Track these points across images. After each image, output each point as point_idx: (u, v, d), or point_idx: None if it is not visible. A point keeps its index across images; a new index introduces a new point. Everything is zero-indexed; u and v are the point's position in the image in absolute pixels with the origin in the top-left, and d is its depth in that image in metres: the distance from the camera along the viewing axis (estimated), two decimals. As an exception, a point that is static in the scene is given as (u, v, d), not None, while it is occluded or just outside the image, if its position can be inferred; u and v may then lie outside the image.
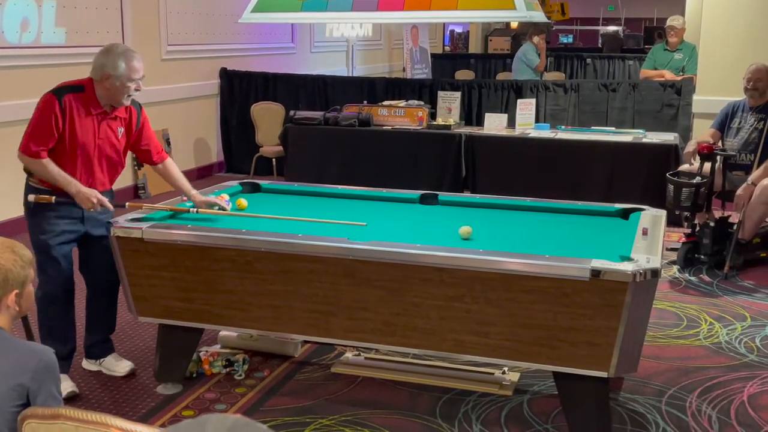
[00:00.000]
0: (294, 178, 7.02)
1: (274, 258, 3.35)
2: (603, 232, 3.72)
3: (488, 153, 7.07)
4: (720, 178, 5.73)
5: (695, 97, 7.49)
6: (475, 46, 18.79)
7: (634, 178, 6.58)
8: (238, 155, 9.09)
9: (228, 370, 3.93)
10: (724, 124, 5.98)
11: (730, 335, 4.49)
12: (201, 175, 8.61)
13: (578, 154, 6.80)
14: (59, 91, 3.57)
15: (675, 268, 5.65)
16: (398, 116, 7.39)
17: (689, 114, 7.53)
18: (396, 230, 3.65)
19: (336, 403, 3.64)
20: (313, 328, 3.42)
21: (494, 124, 7.31)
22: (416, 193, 4.31)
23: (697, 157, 5.67)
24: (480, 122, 7.75)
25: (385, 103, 7.76)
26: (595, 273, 2.94)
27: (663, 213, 3.84)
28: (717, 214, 5.79)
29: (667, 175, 5.62)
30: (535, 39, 9.91)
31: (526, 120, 7.27)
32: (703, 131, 6.42)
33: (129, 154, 3.92)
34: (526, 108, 7.33)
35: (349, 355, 4.08)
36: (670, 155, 6.51)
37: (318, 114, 7.60)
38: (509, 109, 7.81)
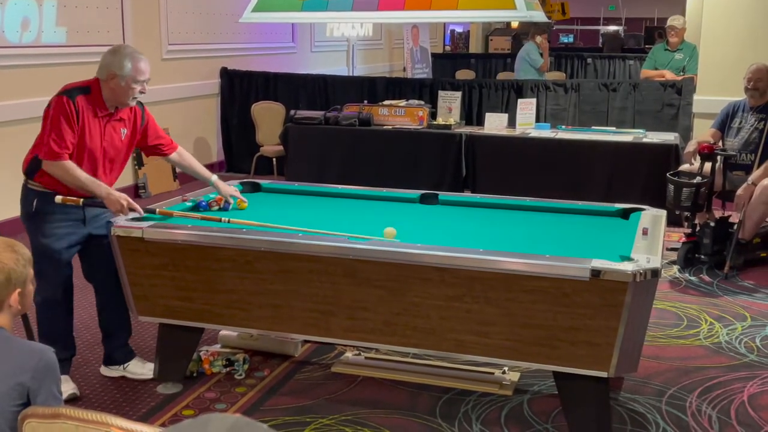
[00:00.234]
0: (294, 177, 7.03)
1: (275, 258, 3.35)
2: (603, 232, 3.72)
3: (489, 153, 7.07)
4: (720, 178, 5.73)
5: (696, 97, 7.49)
6: (475, 46, 18.80)
7: (634, 178, 6.58)
8: (239, 155, 9.09)
9: (228, 369, 3.93)
10: (725, 124, 5.98)
11: (730, 335, 4.49)
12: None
13: (578, 153, 6.80)
14: (71, 93, 3.54)
15: (675, 268, 5.65)
16: (399, 116, 7.39)
17: (690, 114, 7.53)
18: (396, 230, 3.64)
19: (336, 402, 3.64)
20: (314, 328, 3.42)
21: (495, 123, 7.31)
22: (416, 193, 4.31)
23: (698, 157, 5.67)
24: (480, 122, 7.75)
25: (386, 102, 7.76)
26: (596, 273, 2.94)
27: (663, 213, 3.84)
28: (717, 214, 5.79)
29: (668, 175, 5.62)
30: (538, 39, 9.91)
31: (526, 120, 7.27)
32: (703, 131, 6.42)
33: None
34: (526, 108, 7.33)
35: (349, 354, 4.08)
36: (670, 155, 6.51)
37: (318, 113, 7.60)
38: (510, 109, 7.81)
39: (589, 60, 13.18)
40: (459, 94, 7.64)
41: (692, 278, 5.50)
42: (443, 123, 7.35)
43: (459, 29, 18.98)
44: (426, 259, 3.15)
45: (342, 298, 3.31)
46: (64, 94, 3.54)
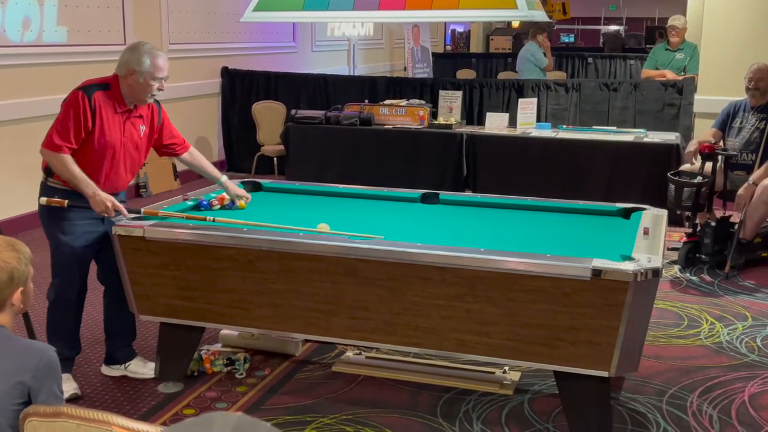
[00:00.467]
0: (295, 177, 7.03)
1: (276, 257, 3.35)
2: (604, 232, 3.72)
3: (489, 152, 7.07)
4: (721, 177, 5.73)
5: (696, 97, 7.49)
6: (476, 46, 18.81)
7: (635, 177, 6.58)
8: (240, 154, 9.09)
9: (229, 368, 3.93)
10: (726, 123, 5.98)
11: (731, 335, 4.49)
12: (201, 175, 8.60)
13: (579, 153, 6.80)
14: (88, 89, 3.55)
15: (676, 267, 5.65)
16: (399, 115, 7.39)
17: (690, 113, 7.53)
18: (397, 229, 3.65)
19: (337, 401, 3.64)
20: (314, 327, 3.42)
21: (495, 123, 7.31)
22: (417, 193, 4.31)
23: (699, 157, 5.67)
24: (481, 121, 7.76)
25: (387, 102, 7.76)
26: (596, 272, 2.94)
27: (664, 212, 3.84)
28: (718, 213, 5.79)
29: (669, 174, 5.62)
30: (539, 38, 9.90)
31: (527, 119, 7.27)
32: (704, 131, 6.42)
33: None
34: (527, 107, 7.33)
35: (350, 354, 4.08)
36: (671, 155, 6.51)
37: (319, 113, 7.61)
38: (510, 109, 7.81)
39: (590, 60, 13.18)
40: (460, 93, 7.64)
41: (693, 278, 5.50)
42: (444, 122, 7.35)
43: (460, 29, 18.99)
44: (427, 258, 3.15)
45: (343, 297, 3.31)
46: (81, 90, 3.55)
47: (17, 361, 2.17)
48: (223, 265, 3.45)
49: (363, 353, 4.06)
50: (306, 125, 7.56)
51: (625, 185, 6.54)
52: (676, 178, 5.52)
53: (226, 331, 4.18)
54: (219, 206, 4.01)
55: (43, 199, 3.59)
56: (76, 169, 3.52)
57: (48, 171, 3.64)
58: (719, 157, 5.68)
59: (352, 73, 11.58)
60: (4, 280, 2.23)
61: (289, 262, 3.34)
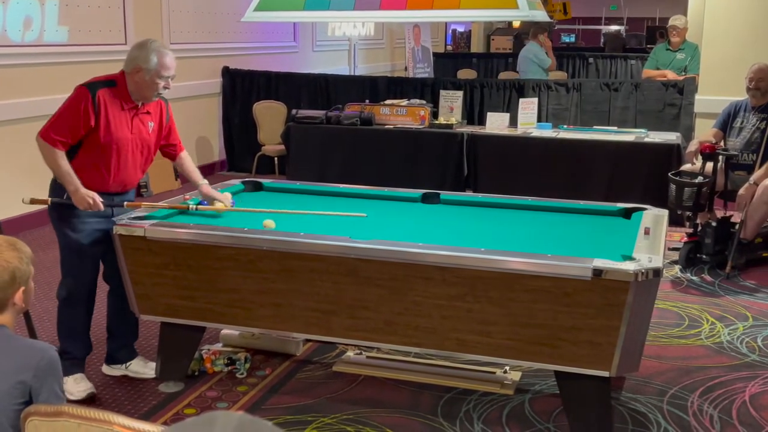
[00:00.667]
0: (296, 176, 7.03)
1: (276, 257, 3.36)
2: (605, 232, 3.71)
3: (490, 152, 7.07)
4: (722, 177, 5.73)
5: (697, 97, 7.48)
6: (477, 46, 18.82)
7: (636, 177, 6.58)
8: (240, 154, 9.09)
9: (230, 368, 3.93)
10: (727, 123, 5.97)
11: (731, 335, 4.49)
12: (203, 174, 8.58)
13: (580, 153, 6.80)
14: (93, 86, 3.55)
15: (677, 267, 5.65)
16: (400, 115, 7.39)
17: (691, 113, 7.53)
18: (398, 229, 3.65)
19: (337, 401, 3.64)
20: (315, 327, 3.42)
21: (496, 123, 7.31)
22: (418, 192, 4.31)
23: (699, 157, 5.67)
24: (482, 121, 7.76)
25: (387, 102, 7.76)
26: (597, 272, 2.94)
27: (665, 212, 3.84)
28: (719, 213, 5.79)
29: (669, 174, 5.62)
30: (540, 38, 9.89)
31: (528, 119, 7.27)
32: (705, 131, 6.41)
33: None
34: (528, 107, 7.33)
35: (350, 353, 4.08)
36: (672, 155, 6.51)
37: (320, 113, 7.61)
38: (511, 109, 7.81)
39: (591, 60, 13.18)
40: (460, 93, 7.64)
41: (694, 278, 5.50)
42: (445, 122, 7.35)
43: (461, 29, 18.99)
44: (428, 258, 3.15)
45: (344, 297, 3.31)
46: (85, 86, 3.55)
47: (18, 361, 2.17)
48: (223, 264, 3.45)
49: (364, 353, 4.06)
50: (307, 125, 7.56)
51: (625, 185, 6.53)
52: (677, 178, 5.52)
53: (227, 331, 4.18)
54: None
55: (26, 198, 3.59)
56: (64, 164, 3.51)
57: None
58: (720, 157, 5.67)
59: (352, 73, 11.58)
60: (6, 280, 2.23)
61: (290, 262, 3.35)
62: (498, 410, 3.58)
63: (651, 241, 3.33)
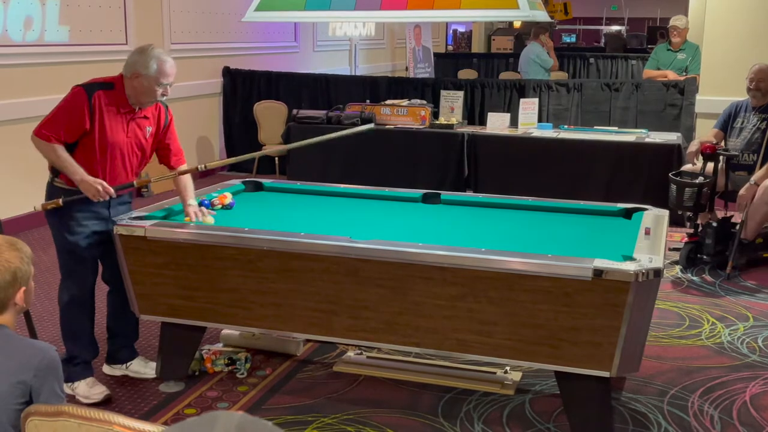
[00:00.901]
0: (296, 177, 7.03)
1: (277, 256, 3.36)
2: (605, 232, 3.71)
3: (491, 152, 7.07)
4: (723, 178, 5.73)
5: (698, 97, 7.48)
6: (478, 46, 18.81)
7: (636, 177, 6.58)
8: (241, 154, 9.06)
9: (230, 368, 3.93)
10: (727, 124, 5.97)
11: (732, 335, 4.49)
12: (204, 174, 8.61)
13: (581, 153, 6.80)
14: (90, 87, 3.53)
15: (677, 268, 5.65)
16: (401, 115, 7.39)
17: (692, 114, 7.52)
18: (398, 229, 3.65)
19: (338, 401, 3.64)
20: (316, 327, 3.42)
21: (497, 123, 7.31)
22: (418, 193, 4.31)
23: (700, 157, 5.67)
24: (483, 121, 7.76)
25: (388, 102, 7.77)
26: (598, 272, 2.94)
27: (665, 213, 3.84)
28: (720, 214, 5.79)
29: (670, 174, 5.61)
30: (542, 38, 9.89)
31: (528, 119, 7.27)
32: (706, 131, 6.42)
33: None
34: (528, 107, 7.33)
35: (351, 353, 4.08)
36: (672, 155, 6.51)
37: (321, 113, 7.61)
38: (512, 109, 7.81)
39: (592, 60, 13.18)
40: (461, 93, 7.64)
41: (694, 278, 5.50)
42: (445, 123, 7.35)
43: (461, 29, 19.00)
44: (428, 258, 3.15)
45: (344, 297, 3.31)
46: (83, 87, 3.53)
47: (18, 361, 2.17)
48: (224, 264, 3.45)
49: (364, 353, 4.06)
50: (307, 125, 7.56)
51: (626, 185, 6.54)
52: (678, 179, 5.51)
53: (227, 331, 4.18)
54: (220, 206, 4.01)
55: (38, 205, 3.57)
56: (65, 155, 3.49)
57: (54, 171, 3.61)
58: (721, 157, 5.67)
59: (353, 73, 11.58)
60: (8, 280, 2.24)
61: (290, 262, 3.35)
62: (498, 410, 3.58)
63: (651, 241, 3.33)
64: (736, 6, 7.31)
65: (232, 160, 4.65)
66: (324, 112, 7.62)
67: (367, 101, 7.95)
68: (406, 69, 11.13)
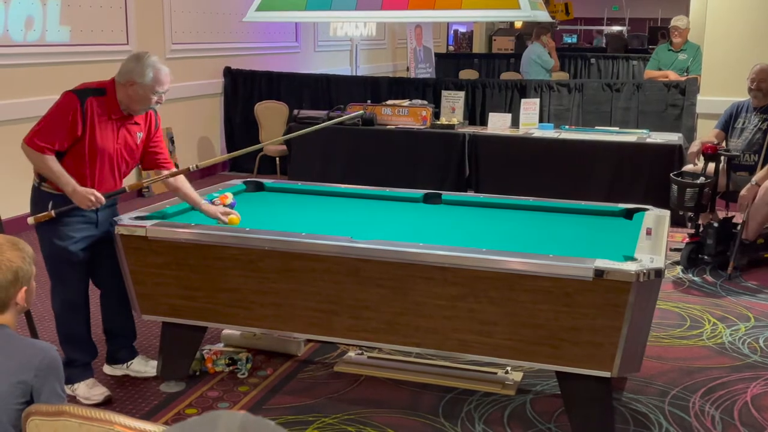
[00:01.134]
0: (297, 177, 7.03)
1: (278, 257, 3.36)
2: (606, 232, 3.71)
3: (492, 152, 7.07)
4: (724, 178, 5.73)
5: (699, 98, 7.48)
6: (479, 46, 18.81)
7: (637, 178, 6.58)
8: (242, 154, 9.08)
9: (231, 368, 3.93)
10: (728, 124, 5.97)
11: (733, 336, 4.48)
12: (204, 174, 8.62)
13: (582, 154, 6.79)
14: (82, 93, 3.48)
15: (678, 268, 5.64)
16: (402, 116, 7.39)
17: (693, 114, 7.52)
18: (399, 229, 3.65)
19: (339, 401, 3.64)
20: (316, 327, 3.42)
21: (498, 123, 7.31)
22: (419, 193, 4.31)
23: (701, 158, 5.66)
24: (484, 122, 7.75)
25: (389, 102, 7.76)
26: (599, 273, 2.94)
27: (667, 213, 3.84)
28: (721, 214, 5.79)
29: (671, 175, 5.61)
30: (543, 38, 9.88)
31: (529, 120, 7.27)
32: (707, 131, 6.41)
33: None
34: (529, 108, 7.33)
35: (352, 354, 4.08)
36: (674, 155, 6.51)
37: (321, 113, 7.61)
38: (513, 109, 7.81)
39: (593, 60, 13.18)
40: (462, 94, 7.63)
41: (696, 279, 5.50)
42: (446, 123, 7.35)
43: (462, 29, 19.00)
44: (429, 258, 3.15)
45: (345, 297, 3.31)
46: (75, 93, 3.49)
47: (19, 360, 2.17)
48: (225, 264, 3.45)
49: (365, 353, 4.06)
50: (308, 125, 7.54)
51: (627, 186, 6.53)
52: (679, 179, 5.51)
53: (228, 331, 4.18)
54: (221, 206, 4.00)
55: (30, 219, 3.53)
56: (56, 167, 3.45)
57: (41, 175, 3.57)
58: (722, 157, 5.67)
59: (354, 74, 11.58)
60: (10, 280, 2.23)
61: (291, 262, 3.34)
62: (499, 411, 3.58)
63: (653, 241, 3.32)
64: (737, 6, 7.31)
65: (222, 158, 4.65)
66: (325, 112, 7.62)
67: (368, 101, 7.95)
68: (407, 69, 11.13)
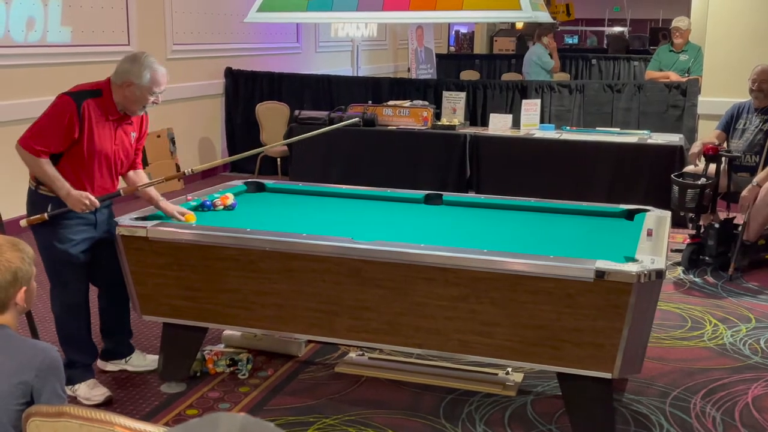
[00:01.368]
0: (298, 177, 7.03)
1: (278, 257, 3.35)
2: (607, 233, 3.71)
3: (493, 153, 7.07)
4: (725, 179, 5.72)
5: (700, 98, 7.48)
6: (480, 47, 18.80)
7: (638, 179, 6.57)
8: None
9: (232, 369, 3.93)
10: (729, 125, 5.97)
11: (734, 337, 4.48)
12: (206, 175, 8.62)
13: (583, 154, 6.79)
14: (79, 96, 3.47)
15: (679, 269, 5.64)
16: (403, 116, 7.39)
17: (694, 115, 7.52)
18: (400, 230, 3.65)
19: (340, 402, 3.64)
20: (317, 328, 3.42)
21: (499, 124, 7.31)
22: (421, 193, 4.31)
23: (702, 159, 5.66)
24: (485, 122, 7.75)
25: (390, 103, 7.76)
26: (600, 274, 2.94)
27: (668, 214, 3.84)
28: (722, 215, 5.79)
29: (672, 176, 5.61)
30: (545, 40, 9.89)
31: (530, 120, 7.27)
32: (708, 132, 6.41)
33: None
34: (531, 108, 7.33)
35: (352, 354, 4.08)
36: (675, 156, 6.51)
37: (323, 114, 7.61)
38: (514, 110, 7.81)
39: (594, 61, 13.17)
40: (463, 94, 7.63)
41: (697, 280, 5.49)
42: (447, 123, 7.35)
43: (464, 30, 19.00)
44: (430, 259, 3.15)
45: (346, 298, 3.31)
46: (71, 96, 3.48)
47: (20, 361, 2.17)
48: (225, 265, 3.45)
49: (366, 354, 4.06)
50: (309, 126, 7.53)
51: (628, 187, 6.53)
52: (680, 180, 5.51)
53: (229, 332, 4.18)
54: (222, 206, 4.01)
55: (24, 222, 3.53)
56: (51, 170, 3.45)
57: (38, 179, 3.56)
58: (723, 158, 5.67)
59: (355, 74, 11.58)
60: (9, 280, 2.24)
61: (292, 263, 3.34)
62: (500, 412, 3.57)
63: (654, 242, 3.32)
64: (738, 7, 7.31)
65: (216, 162, 4.69)
66: (326, 113, 7.62)
67: (369, 102, 7.95)
68: (409, 70, 11.12)
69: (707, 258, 5.62)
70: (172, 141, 8.14)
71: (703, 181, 5.46)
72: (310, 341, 4.14)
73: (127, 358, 3.92)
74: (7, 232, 3.83)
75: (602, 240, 3.57)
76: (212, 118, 9.10)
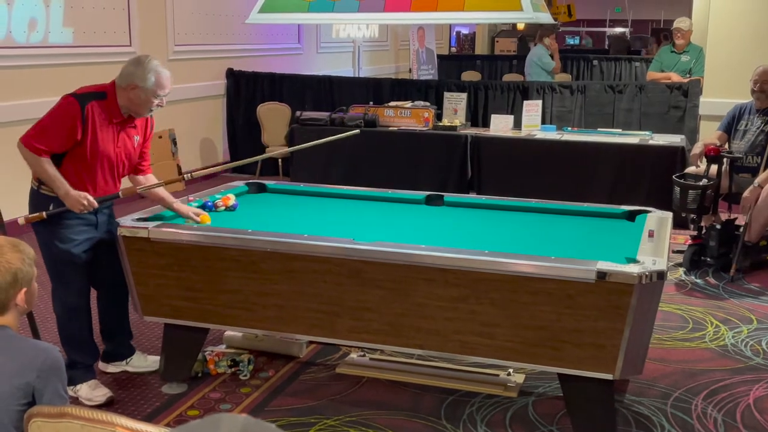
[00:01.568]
0: (300, 178, 7.04)
1: (279, 258, 3.36)
2: (609, 234, 3.71)
3: (494, 154, 7.07)
4: (726, 180, 5.72)
5: (702, 99, 7.48)
6: (481, 47, 18.79)
7: (640, 180, 6.57)
8: (244, 155, 9.04)
9: (233, 370, 3.93)
10: (731, 126, 5.97)
11: (736, 338, 4.48)
12: (207, 176, 8.62)
13: (584, 155, 6.79)
14: (83, 98, 3.47)
15: (681, 270, 5.64)
16: (404, 117, 7.39)
17: (696, 116, 7.52)
18: (401, 231, 3.65)
19: (341, 403, 3.64)
20: (318, 329, 3.42)
21: (500, 125, 7.31)
22: (422, 194, 4.31)
23: (704, 159, 5.66)
24: (486, 123, 7.75)
25: (391, 104, 7.77)
26: (601, 275, 2.94)
27: (669, 215, 3.84)
28: (723, 216, 5.78)
29: (674, 177, 5.61)
30: (546, 41, 9.89)
31: (532, 121, 7.27)
32: (709, 133, 6.41)
33: None
34: (532, 109, 7.33)
35: (353, 355, 4.08)
36: (676, 157, 6.51)
37: (324, 114, 7.61)
38: (515, 111, 7.81)
39: (595, 62, 13.17)
40: (464, 95, 7.63)
41: (698, 281, 5.49)
42: (449, 124, 7.35)
43: (465, 31, 18.99)
44: (430, 260, 3.15)
45: (346, 298, 3.31)
46: (76, 98, 3.48)
47: (21, 362, 2.17)
48: (226, 266, 3.45)
49: (367, 355, 4.06)
50: (311, 126, 7.56)
51: (630, 188, 6.53)
52: (682, 181, 5.51)
53: (230, 333, 4.18)
54: (223, 207, 4.01)
55: (21, 219, 3.53)
56: (51, 169, 3.45)
57: (40, 180, 3.56)
58: (724, 159, 5.67)
59: (357, 75, 11.58)
60: (9, 281, 2.24)
61: (293, 263, 3.35)
62: (501, 413, 3.57)
63: (655, 243, 3.32)
64: (739, 8, 7.30)
65: (215, 168, 4.71)
66: (327, 113, 7.63)
67: (371, 103, 7.95)
68: (410, 71, 11.12)
69: (709, 259, 5.61)
70: (174, 142, 8.14)
71: (704, 182, 5.46)
72: (311, 342, 4.14)
73: (128, 360, 3.93)
74: (8, 232, 3.83)
75: (603, 241, 3.57)
76: (214, 118, 9.10)
